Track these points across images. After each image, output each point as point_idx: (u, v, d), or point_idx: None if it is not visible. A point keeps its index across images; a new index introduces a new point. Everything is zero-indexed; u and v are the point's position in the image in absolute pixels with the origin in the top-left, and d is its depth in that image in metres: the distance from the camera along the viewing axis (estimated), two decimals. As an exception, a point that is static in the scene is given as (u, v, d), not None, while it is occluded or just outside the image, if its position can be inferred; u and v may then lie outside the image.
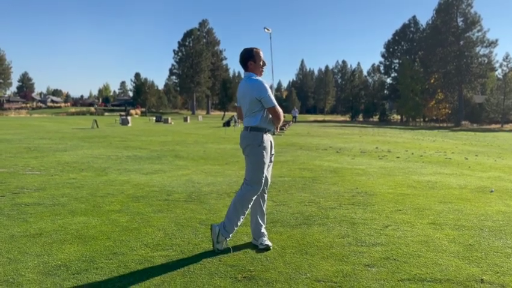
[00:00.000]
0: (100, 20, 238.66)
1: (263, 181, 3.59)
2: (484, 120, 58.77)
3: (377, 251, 3.59)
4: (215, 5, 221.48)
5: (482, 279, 3.01)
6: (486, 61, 60.70)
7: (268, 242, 3.63)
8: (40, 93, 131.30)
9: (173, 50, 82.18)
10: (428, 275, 3.08)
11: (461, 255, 3.52)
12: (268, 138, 3.61)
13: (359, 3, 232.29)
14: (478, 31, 59.85)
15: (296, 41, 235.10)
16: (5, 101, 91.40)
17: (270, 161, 3.71)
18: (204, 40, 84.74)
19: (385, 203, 5.49)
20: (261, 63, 3.60)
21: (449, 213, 4.97)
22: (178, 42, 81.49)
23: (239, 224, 3.62)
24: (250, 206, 3.62)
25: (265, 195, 3.81)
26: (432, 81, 63.28)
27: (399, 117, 73.06)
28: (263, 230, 3.73)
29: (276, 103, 3.52)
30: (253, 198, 3.60)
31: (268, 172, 3.73)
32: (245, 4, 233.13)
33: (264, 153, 3.54)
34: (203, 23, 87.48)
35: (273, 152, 3.71)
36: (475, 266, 3.29)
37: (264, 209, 3.81)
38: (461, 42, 60.36)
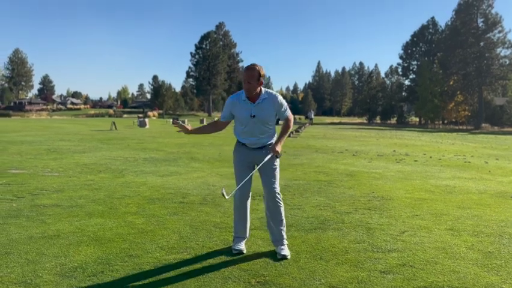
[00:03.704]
0: (118, 24, 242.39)
1: (238, 184, 3.66)
2: (505, 122, 57.48)
3: (393, 257, 3.54)
4: (232, 9, 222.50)
5: (501, 288, 2.94)
6: (507, 62, 59.43)
7: (284, 252, 3.52)
8: (60, 96, 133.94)
9: (191, 53, 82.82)
10: (446, 283, 3.02)
11: (480, 262, 3.44)
12: (239, 147, 3.71)
13: (376, 4, 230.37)
14: (499, 32, 58.67)
15: (313, 42, 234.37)
16: (26, 103, 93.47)
17: (250, 171, 3.63)
18: (221, 43, 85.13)
19: (402, 207, 5.41)
20: (243, 82, 3.52)
21: (467, 219, 4.87)
22: (195, 45, 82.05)
23: (236, 230, 3.77)
24: (237, 210, 3.76)
25: (272, 203, 3.64)
26: (451, 83, 62.21)
27: (417, 119, 72.11)
28: (277, 238, 3.64)
29: (221, 118, 3.75)
30: (237, 204, 3.73)
31: (263, 182, 3.63)
32: (262, 7, 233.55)
33: (234, 159, 3.80)
34: (220, 26, 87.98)
35: (254, 161, 3.62)
36: (494, 274, 3.21)
37: (274, 220, 3.65)
38: (482, 44, 59.19)
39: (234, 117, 3.66)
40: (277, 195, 3.63)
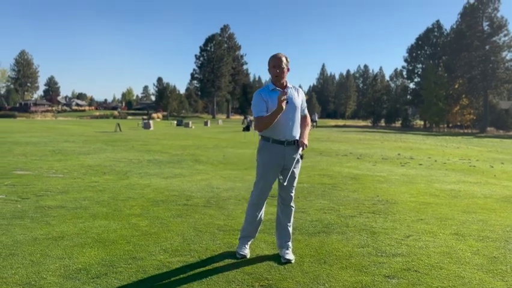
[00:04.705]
0: (123, 26, 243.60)
1: (259, 188, 3.58)
2: (510, 126, 57.19)
3: (398, 261, 3.52)
4: (237, 11, 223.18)
5: (507, 294, 2.92)
6: (513, 66, 59.16)
7: (288, 256, 3.51)
8: (65, 97, 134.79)
9: (195, 55, 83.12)
10: (451, 288, 3.00)
11: (485, 268, 3.42)
12: (270, 146, 3.50)
13: (381, 8, 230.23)
14: (505, 35, 58.40)
15: (317, 45, 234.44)
16: (31, 104, 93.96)
17: (283, 173, 3.55)
18: (225, 45, 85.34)
19: (406, 212, 5.39)
20: (272, 69, 3.50)
21: (473, 223, 4.84)
22: (200, 47, 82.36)
23: (244, 228, 3.72)
24: (253, 212, 3.65)
25: (286, 209, 3.66)
26: (456, 86, 61.92)
27: (422, 122, 71.84)
28: (284, 243, 3.63)
29: (259, 114, 3.42)
30: (255, 203, 3.63)
31: (285, 184, 3.53)
32: (266, 9, 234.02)
33: (261, 161, 3.56)
34: (224, 28, 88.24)
35: (284, 163, 3.50)
36: (499, 279, 3.18)
37: (285, 224, 3.66)
38: (487, 47, 58.94)
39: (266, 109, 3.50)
40: (293, 199, 3.69)
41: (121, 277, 3.11)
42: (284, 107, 3.34)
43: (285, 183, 3.47)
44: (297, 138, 3.57)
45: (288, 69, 3.55)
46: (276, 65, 3.47)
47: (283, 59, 3.49)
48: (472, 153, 15.97)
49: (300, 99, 3.63)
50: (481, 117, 60.55)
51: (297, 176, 3.66)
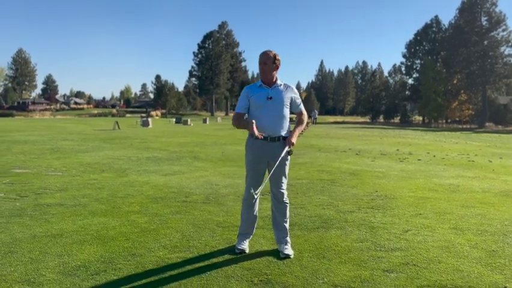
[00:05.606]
0: (121, 23, 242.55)
1: (248, 183, 3.62)
2: (508, 121, 57.22)
3: (397, 256, 3.53)
4: (235, 8, 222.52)
5: (505, 287, 2.93)
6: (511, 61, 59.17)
7: (287, 251, 3.52)
8: (64, 95, 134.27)
9: (193, 52, 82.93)
10: (449, 282, 3.01)
11: (483, 261, 3.43)
12: (254, 142, 3.53)
13: (380, 4, 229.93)
14: (503, 30, 58.41)
15: (316, 41, 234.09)
16: (29, 103, 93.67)
17: (270, 168, 3.54)
18: (224, 42, 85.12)
19: (405, 206, 5.40)
20: (259, 65, 3.54)
21: (471, 217, 4.85)
22: (198, 44, 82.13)
23: (241, 225, 3.76)
24: (246, 208, 3.70)
25: (280, 205, 3.64)
26: (455, 81, 61.96)
27: (420, 118, 71.92)
28: (282, 238, 3.64)
29: (238, 110, 3.58)
30: (247, 199, 3.65)
31: (271, 180, 3.55)
32: (265, 6, 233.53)
33: (248, 155, 3.64)
34: (222, 25, 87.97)
35: (268, 159, 3.52)
36: (498, 273, 3.19)
37: (281, 221, 3.65)
38: (485, 42, 58.94)
39: (250, 105, 3.56)
40: (285, 195, 3.66)
41: (120, 273, 3.11)
42: (255, 132, 3.36)
43: (255, 195, 3.41)
44: (283, 134, 3.55)
45: (277, 67, 3.56)
46: (261, 61, 3.51)
47: (271, 55, 3.51)
48: (470, 148, 15.99)
49: (289, 96, 3.60)
50: (480, 112, 60.60)
51: (285, 172, 3.63)
